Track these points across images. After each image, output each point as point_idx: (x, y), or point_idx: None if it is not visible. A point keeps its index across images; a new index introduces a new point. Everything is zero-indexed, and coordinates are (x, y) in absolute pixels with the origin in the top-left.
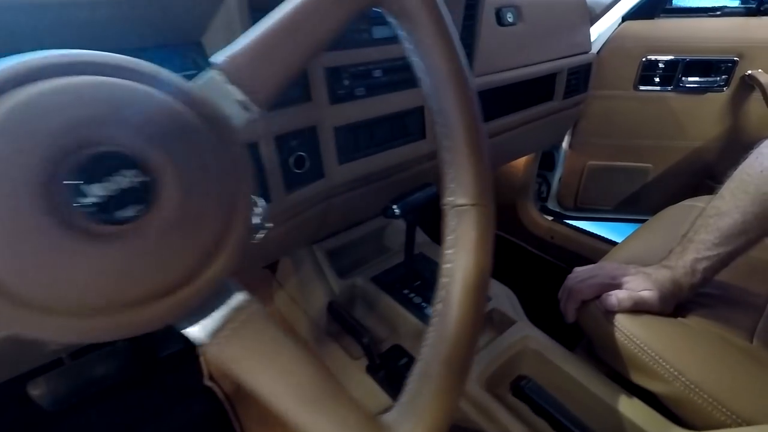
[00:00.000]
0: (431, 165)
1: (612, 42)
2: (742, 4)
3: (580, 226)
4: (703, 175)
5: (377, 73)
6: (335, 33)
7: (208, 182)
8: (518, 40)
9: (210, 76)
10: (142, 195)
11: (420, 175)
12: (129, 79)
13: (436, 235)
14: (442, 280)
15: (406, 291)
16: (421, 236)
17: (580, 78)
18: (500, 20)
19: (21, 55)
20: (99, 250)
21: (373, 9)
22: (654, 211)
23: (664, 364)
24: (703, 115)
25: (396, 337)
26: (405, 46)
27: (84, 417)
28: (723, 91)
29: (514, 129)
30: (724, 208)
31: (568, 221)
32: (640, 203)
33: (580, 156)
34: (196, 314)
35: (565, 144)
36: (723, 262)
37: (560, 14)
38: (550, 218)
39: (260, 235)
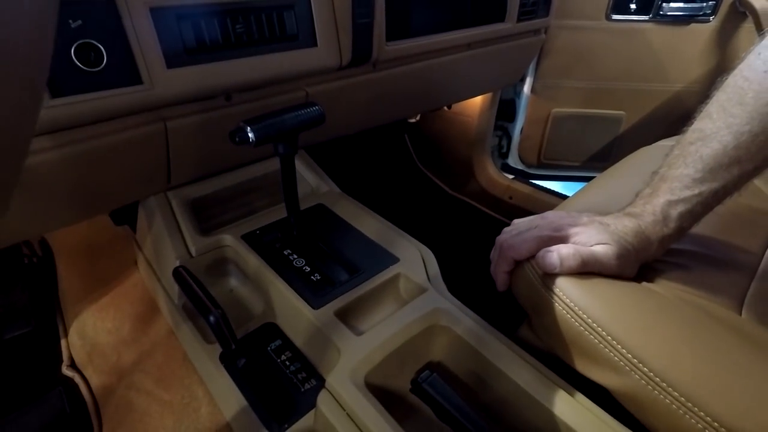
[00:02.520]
0: (326, 90)
1: None
2: None
3: (544, 185)
4: (685, 124)
5: None
6: None
7: None
8: None
9: None
10: None
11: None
12: None
13: (349, 192)
14: None
15: (287, 252)
16: (327, 183)
17: None
18: None
19: None
20: None
21: None
22: None
23: (618, 347)
24: (686, 51)
25: (271, 313)
26: None
27: None
28: (710, 21)
29: (459, 53)
30: (711, 130)
31: (531, 180)
32: (612, 157)
33: (544, 102)
34: None
35: (526, 88)
36: (706, 205)
37: None
38: (511, 177)
39: None
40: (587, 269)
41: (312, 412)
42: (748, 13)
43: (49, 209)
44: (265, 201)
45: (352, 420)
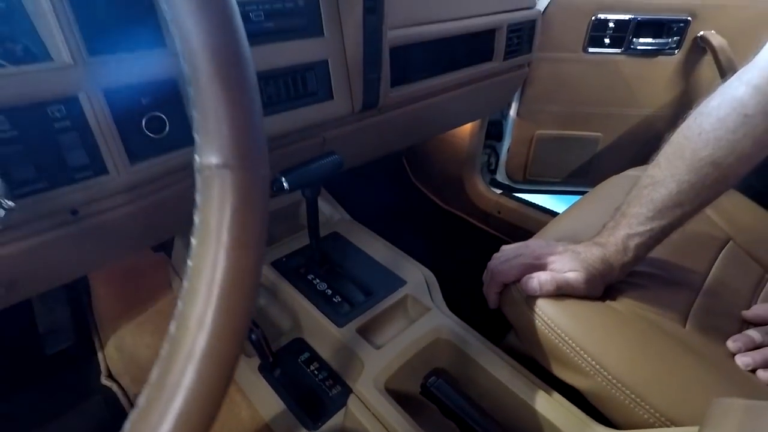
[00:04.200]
0: (339, 134)
1: None
2: None
3: (531, 200)
4: (655, 144)
5: (256, 16)
6: None
7: None
8: None
9: None
10: None
11: (327, 145)
12: None
13: (356, 212)
14: (183, 285)
15: (311, 277)
16: (339, 212)
17: (522, 37)
18: None
19: None
20: None
21: None
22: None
23: (585, 356)
24: (654, 80)
25: (298, 329)
26: None
27: None
28: (674, 54)
29: (452, 91)
30: (659, 177)
31: (518, 194)
32: (590, 174)
33: (528, 124)
34: None
35: (512, 111)
36: (656, 238)
37: None
38: (499, 191)
39: None
40: (561, 292)
41: (340, 413)
42: (707, 48)
43: (109, 250)
44: (283, 228)
45: (377, 419)
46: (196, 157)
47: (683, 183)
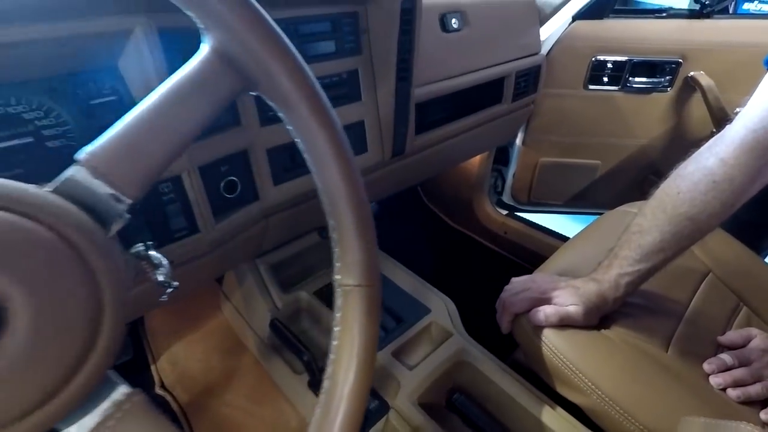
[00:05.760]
0: (371, 179)
1: (562, 42)
2: (689, 7)
3: (533, 220)
4: (648, 172)
5: None
6: (203, 125)
7: (64, 296)
8: (464, 45)
9: (70, 174)
10: None
11: None
12: None
13: (412, 241)
14: (330, 356)
15: None
16: None
17: (529, 80)
18: (444, 26)
19: None
20: None
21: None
22: (602, 205)
23: (582, 377)
24: (648, 114)
25: None
26: (287, 127)
27: None
28: (667, 91)
29: (465, 132)
30: (645, 226)
31: (521, 215)
32: (588, 198)
33: (533, 152)
34: (76, 414)
35: (518, 140)
36: (643, 277)
37: (508, 16)
38: (505, 212)
39: (165, 297)
40: (564, 323)
41: (379, 423)
42: (696, 87)
43: (185, 288)
44: (319, 257)
45: (413, 430)
46: (337, 277)
47: (665, 233)
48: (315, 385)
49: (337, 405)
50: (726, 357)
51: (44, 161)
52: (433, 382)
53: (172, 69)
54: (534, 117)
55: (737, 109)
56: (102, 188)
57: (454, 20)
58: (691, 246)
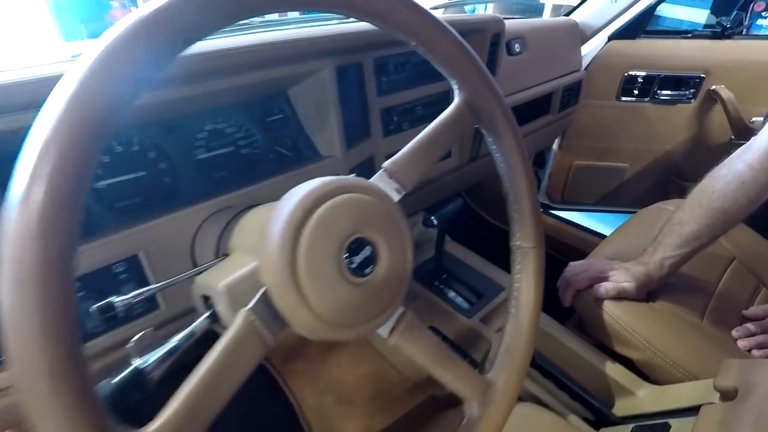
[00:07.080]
0: (454, 176)
1: (599, 59)
2: (705, 28)
3: (566, 218)
4: (672, 174)
5: (419, 109)
6: (451, 146)
7: (398, 243)
8: (524, 66)
9: (380, 173)
10: (371, 259)
11: (445, 186)
12: (356, 192)
13: (458, 236)
14: (512, 301)
15: (436, 282)
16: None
17: (572, 93)
18: (510, 51)
19: (311, 182)
20: (355, 292)
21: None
22: (629, 204)
23: (639, 337)
24: (673, 123)
25: (430, 319)
26: (491, 147)
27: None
28: (691, 102)
29: None
30: (685, 218)
31: (555, 212)
32: (617, 198)
33: (568, 156)
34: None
35: (555, 145)
36: (684, 259)
37: (557, 38)
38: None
39: None
40: (619, 296)
41: None
42: (718, 99)
43: None
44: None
45: None
46: (517, 242)
47: (702, 224)
48: None
49: (522, 319)
50: (750, 326)
51: (239, 164)
52: None
53: (343, 95)
54: (570, 125)
55: (754, 119)
56: (392, 184)
57: (516, 45)
58: (722, 234)
